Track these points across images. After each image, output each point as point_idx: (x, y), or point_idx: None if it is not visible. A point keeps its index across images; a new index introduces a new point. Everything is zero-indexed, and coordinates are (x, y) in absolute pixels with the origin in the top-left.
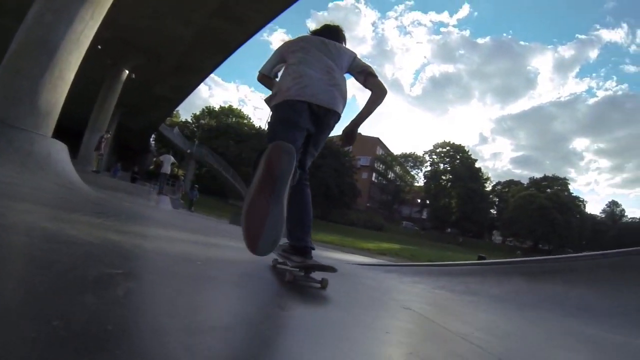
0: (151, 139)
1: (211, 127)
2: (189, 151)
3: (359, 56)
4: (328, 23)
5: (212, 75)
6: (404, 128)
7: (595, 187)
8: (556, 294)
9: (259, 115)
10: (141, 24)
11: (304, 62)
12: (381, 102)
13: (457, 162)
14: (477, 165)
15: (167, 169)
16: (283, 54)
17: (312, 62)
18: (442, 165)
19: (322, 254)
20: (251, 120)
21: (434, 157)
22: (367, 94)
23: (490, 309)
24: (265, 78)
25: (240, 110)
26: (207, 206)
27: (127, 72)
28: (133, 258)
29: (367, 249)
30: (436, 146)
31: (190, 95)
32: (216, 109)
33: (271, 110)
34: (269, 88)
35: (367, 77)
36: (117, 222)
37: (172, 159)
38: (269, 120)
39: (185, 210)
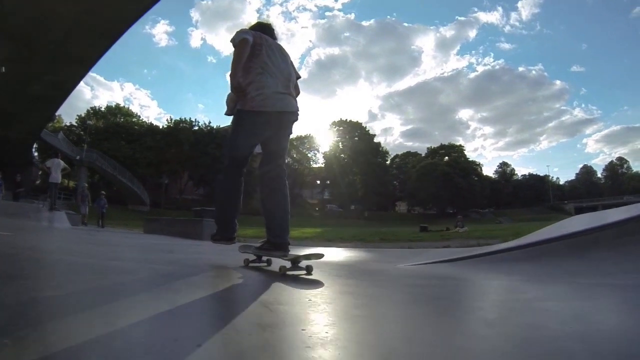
0: (33, 149)
1: (99, 129)
2: (78, 158)
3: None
4: (261, 21)
5: (93, 74)
6: None
7: (483, 152)
8: None
9: (147, 113)
10: (8, 1)
11: (265, 70)
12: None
13: (355, 139)
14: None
15: (56, 177)
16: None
17: (273, 72)
18: (341, 144)
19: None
20: (140, 118)
21: (334, 137)
22: None
23: None
24: (249, 44)
25: (128, 108)
26: (108, 217)
27: None
28: None
29: (294, 237)
30: (333, 125)
31: (72, 97)
32: (102, 109)
33: (237, 111)
34: (243, 55)
35: (296, 79)
36: None
37: (62, 163)
38: (233, 120)
39: (90, 227)
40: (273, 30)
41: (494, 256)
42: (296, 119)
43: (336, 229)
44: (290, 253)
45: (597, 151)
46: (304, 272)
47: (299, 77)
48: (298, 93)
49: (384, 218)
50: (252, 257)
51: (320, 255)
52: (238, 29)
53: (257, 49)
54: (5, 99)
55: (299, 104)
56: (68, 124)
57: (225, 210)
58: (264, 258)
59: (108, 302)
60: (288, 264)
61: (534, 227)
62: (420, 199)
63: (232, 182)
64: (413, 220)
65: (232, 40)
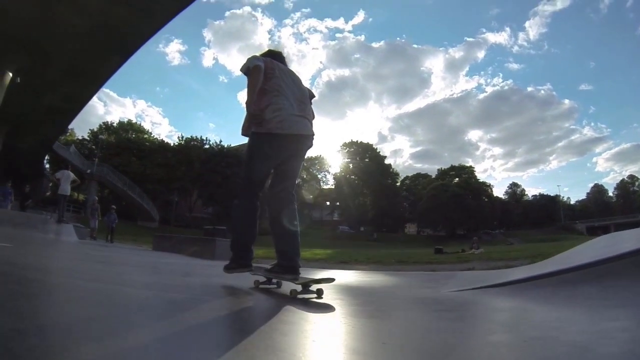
0: (45, 161)
1: (110, 144)
2: (88, 171)
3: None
4: (272, 49)
5: (106, 90)
6: None
7: (492, 173)
8: None
9: (158, 130)
10: (24, 11)
11: (281, 93)
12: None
13: (366, 160)
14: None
15: (65, 189)
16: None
17: (288, 95)
18: (351, 165)
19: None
20: (152, 135)
21: (345, 158)
22: None
23: None
24: (262, 71)
25: (140, 125)
26: (116, 231)
27: (10, 74)
28: None
29: (306, 257)
30: (344, 146)
31: (85, 112)
32: (114, 125)
33: (252, 134)
34: (258, 81)
35: (311, 100)
36: None
37: (72, 175)
38: (249, 142)
39: (98, 241)
40: (284, 57)
41: (548, 280)
42: (311, 145)
43: (347, 250)
44: (301, 276)
45: (608, 170)
46: (315, 295)
47: (313, 96)
48: (313, 117)
49: (394, 240)
50: (262, 278)
51: (331, 280)
52: (249, 56)
53: (269, 72)
54: (19, 110)
55: (314, 128)
56: (80, 137)
57: (241, 236)
58: (274, 280)
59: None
60: (299, 288)
61: (548, 247)
62: (431, 220)
63: (248, 206)
64: (423, 242)
65: (244, 68)
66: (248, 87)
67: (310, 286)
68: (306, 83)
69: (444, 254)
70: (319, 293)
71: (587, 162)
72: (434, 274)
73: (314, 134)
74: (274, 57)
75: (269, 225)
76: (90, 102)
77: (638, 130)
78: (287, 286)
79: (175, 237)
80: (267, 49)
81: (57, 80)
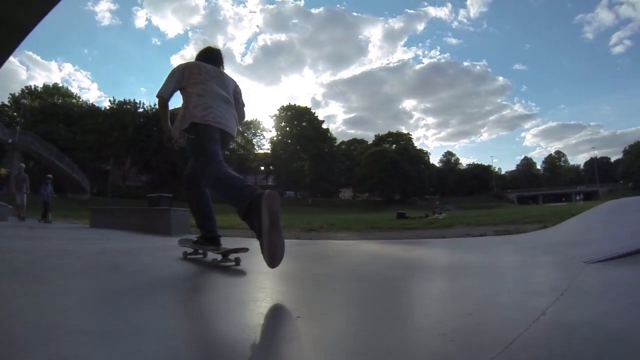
0: None
1: (34, 110)
2: (10, 141)
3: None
4: (210, 46)
5: (28, 52)
6: None
7: (425, 142)
8: None
9: (86, 96)
10: None
11: (205, 94)
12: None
13: (303, 124)
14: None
15: None
16: (180, 81)
17: (213, 95)
18: (288, 129)
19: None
20: (80, 100)
21: (282, 122)
22: None
23: None
24: (167, 102)
25: (67, 89)
26: (39, 207)
27: None
28: None
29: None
30: (281, 110)
31: (4, 78)
32: (39, 89)
33: (187, 132)
34: (165, 111)
35: (242, 106)
36: None
37: None
38: (187, 141)
39: (30, 222)
40: (220, 56)
41: None
42: (229, 144)
43: (291, 216)
44: (221, 247)
45: (535, 145)
46: (233, 263)
47: (244, 104)
48: (242, 118)
49: (330, 205)
50: (190, 250)
51: (246, 249)
52: (171, 70)
53: (194, 78)
54: None
55: (238, 129)
56: None
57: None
58: (200, 251)
59: None
60: (219, 257)
61: (510, 214)
62: (369, 186)
63: (225, 172)
64: (360, 207)
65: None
66: (160, 116)
67: (229, 255)
68: (241, 48)
69: (408, 219)
70: (237, 261)
71: (516, 137)
72: (458, 240)
73: (234, 135)
74: (208, 56)
75: (188, 203)
76: (11, 67)
77: (564, 111)
78: (211, 256)
79: (118, 210)
80: (205, 47)
81: None
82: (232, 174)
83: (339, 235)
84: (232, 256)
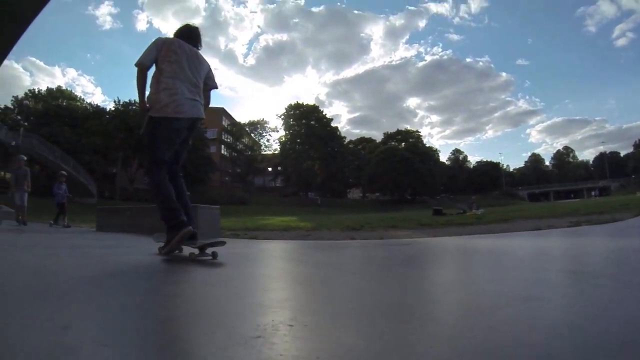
0: None
1: (38, 112)
2: (13, 143)
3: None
4: (189, 23)
5: (32, 58)
6: (241, 100)
7: (430, 140)
8: None
9: (91, 100)
10: None
11: (176, 76)
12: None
13: (312, 123)
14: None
15: None
16: (157, 54)
17: (183, 78)
18: (297, 128)
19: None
20: (84, 102)
21: (291, 120)
22: None
23: None
24: (146, 70)
25: (71, 91)
26: (46, 211)
27: None
28: None
29: (275, 226)
30: (288, 109)
31: (9, 84)
32: (42, 92)
33: (150, 119)
34: (144, 80)
35: (210, 90)
36: None
37: None
38: (148, 127)
39: (34, 226)
40: (198, 35)
41: None
42: (200, 125)
43: (315, 216)
44: (198, 241)
45: (540, 141)
46: (210, 257)
47: (215, 87)
48: (208, 103)
49: (340, 205)
50: (161, 243)
51: (223, 242)
52: (153, 40)
53: (169, 56)
54: None
55: (205, 111)
56: (2, 106)
57: (169, 202)
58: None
59: None
60: (196, 251)
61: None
62: (380, 184)
63: (162, 181)
64: (372, 207)
65: (137, 62)
66: (136, 86)
67: (205, 249)
68: (243, 49)
69: (446, 216)
70: (214, 255)
71: (521, 133)
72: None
73: (203, 117)
74: (187, 35)
75: (159, 199)
76: (15, 73)
77: (569, 106)
78: (187, 250)
79: (128, 210)
80: (184, 24)
81: None
82: (170, 190)
83: (399, 233)
84: (209, 250)
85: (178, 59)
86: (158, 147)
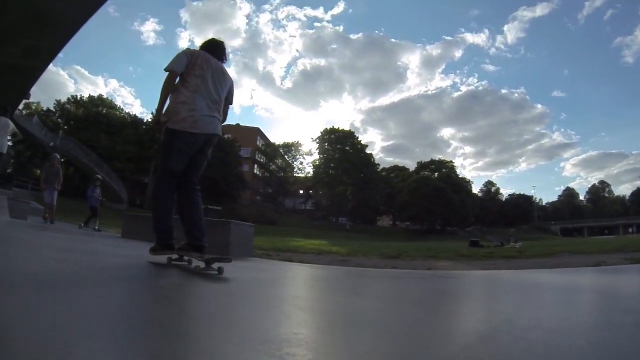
0: None
1: (78, 117)
2: (51, 144)
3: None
4: (214, 37)
5: (77, 67)
6: (277, 122)
7: (463, 171)
8: None
9: (130, 111)
10: None
11: (197, 91)
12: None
13: (347, 149)
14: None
15: (1, 143)
16: (186, 63)
17: (204, 94)
18: (331, 153)
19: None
20: (123, 112)
21: (325, 145)
22: None
23: None
24: (176, 77)
25: (112, 100)
26: (84, 214)
27: None
28: None
29: (307, 249)
30: (324, 133)
31: (54, 90)
32: (84, 98)
33: (167, 129)
34: (170, 87)
35: (228, 105)
36: None
37: (12, 125)
38: (164, 137)
39: (61, 225)
40: (224, 49)
41: None
42: (215, 142)
43: (346, 241)
44: (205, 255)
45: (574, 175)
46: (216, 272)
47: (230, 103)
48: (225, 119)
49: (370, 232)
50: (174, 255)
51: (229, 259)
52: (182, 49)
53: (196, 69)
54: None
55: (221, 128)
56: (45, 108)
57: (164, 219)
58: (185, 257)
59: None
60: (202, 264)
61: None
62: (411, 213)
63: (168, 193)
64: (401, 236)
65: (167, 67)
66: (161, 91)
67: (212, 264)
68: (281, 72)
69: (483, 248)
70: (220, 271)
71: (555, 167)
72: None
73: (220, 134)
74: (213, 48)
75: (177, 210)
76: (60, 80)
77: (605, 139)
78: (195, 263)
79: None
80: (210, 38)
81: (14, 28)
82: (169, 208)
83: (442, 264)
84: (215, 265)
85: (202, 73)
86: (171, 158)
